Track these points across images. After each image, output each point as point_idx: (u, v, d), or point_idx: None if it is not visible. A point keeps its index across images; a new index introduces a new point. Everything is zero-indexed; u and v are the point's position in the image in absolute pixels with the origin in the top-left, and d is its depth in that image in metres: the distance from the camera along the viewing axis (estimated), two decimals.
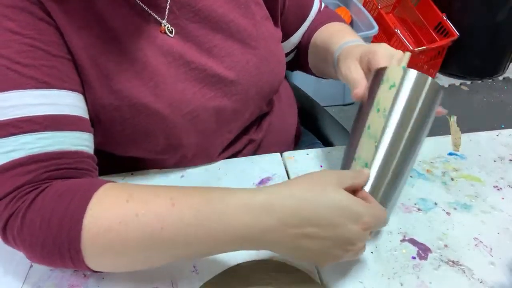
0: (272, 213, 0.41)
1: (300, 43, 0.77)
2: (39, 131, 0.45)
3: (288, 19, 0.71)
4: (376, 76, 0.51)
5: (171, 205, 0.42)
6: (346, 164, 0.50)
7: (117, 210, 0.43)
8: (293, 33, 0.74)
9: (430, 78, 0.49)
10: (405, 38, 1.91)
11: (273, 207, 0.41)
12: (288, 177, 0.63)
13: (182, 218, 0.42)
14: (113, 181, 0.48)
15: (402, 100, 0.48)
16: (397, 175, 0.47)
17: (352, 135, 0.52)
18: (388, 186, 0.47)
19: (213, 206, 0.42)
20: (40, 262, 0.45)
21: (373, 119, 0.49)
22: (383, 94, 0.49)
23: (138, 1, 0.53)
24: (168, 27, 0.55)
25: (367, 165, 0.47)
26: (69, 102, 0.48)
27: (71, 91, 0.49)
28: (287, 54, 0.77)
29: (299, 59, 0.79)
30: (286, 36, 0.73)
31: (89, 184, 0.45)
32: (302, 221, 0.41)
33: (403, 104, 0.48)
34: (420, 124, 0.49)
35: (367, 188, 0.46)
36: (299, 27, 0.74)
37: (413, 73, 0.49)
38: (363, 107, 0.51)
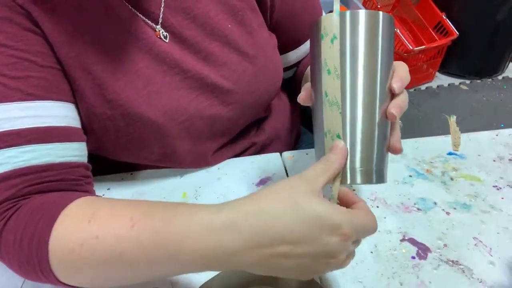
0: (237, 234, 0.37)
1: (296, 71, 0.74)
2: (24, 145, 0.44)
3: (282, 37, 0.67)
4: (313, 31, 0.43)
5: (130, 227, 0.40)
6: (318, 141, 0.45)
7: (79, 231, 0.42)
8: (290, 51, 0.70)
9: (380, 13, 0.42)
10: (404, 37, 1.91)
11: (238, 226, 0.37)
12: (288, 176, 0.63)
13: (141, 242, 0.39)
14: (87, 195, 0.47)
15: (350, 51, 0.41)
16: (374, 135, 0.42)
17: (314, 108, 0.45)
18: (368, 150, 0.42)
19: (173, 228, 0.39)
20: (26, 278, 0.45)
21: (328, 83, 0.42)
22: (327, 51, 0.41)
23: (131, 8, 0.52)
24: (162, 32, 0.54)
25: (339, 136, 0.42)
26: (56, 113, 0.48)
27: (59, 102, 0.48)
28: (284, 70, 0.72)
29: (296, 88, 0.75)
30: (283, 49, 0.69)
31: (59, 201, 0.44)
32: (273, 240, 0.36)
33: (353, 55, 0.41)
34: (382, 67, 0.42)
35: (348, 160, 0.42)
36: (296, 48, 0.70)
37: (353, 15, 0.41)
38: (314, 73, 0.44)
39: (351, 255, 0.41)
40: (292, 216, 0.36)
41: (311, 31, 0.44)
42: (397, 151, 0.44)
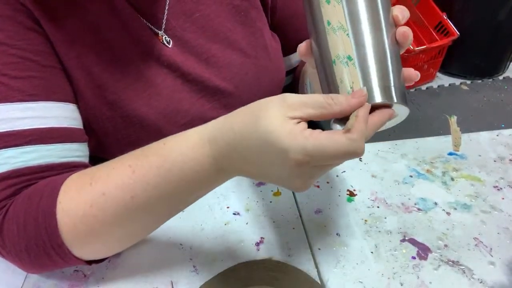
0: (219, 147, 0.40)
1: (294, 74, 0.73)
2: (23, 145, 0.44)
3: (283, 39, 0.67)
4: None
5: (131, 173, 0.42)
6: (326, 78, 0.41)
7: (84, 196, 0.42)
8: (291, 53, 0.70)
9: None
10: None
11: (217, 142, 0.40)
12: None
13: (147, 182, 0.41)
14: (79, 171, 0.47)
15: (357, 9, 0.39)
16: (386, 53, 0.40)
17: (317, 55, 0.42)
18: (383, 68, 0.39)
19: (171, 160, 0.41)
20: (32, 269, 0.45)
21: (329, 11, 0.40)
22: (331, 12, 0.40)
23: (135, 12, 0.52)
24: (165, 37, 0.54)
25: (350, 58, 0.39)
26: (57, 114, 0.48)
27: (61, 102, 0.48)
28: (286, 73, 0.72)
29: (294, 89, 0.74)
30: (284, 52, 0.69)
31: (54, 179, 0.45)
32: (239, 159, 0.39)
33: (360, 10, 0.39)
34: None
35: (362, 81, 0.39)
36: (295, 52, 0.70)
37: None
38: (312, 10, 0.41)
39: (311, 178, 0.39)
40: (252, 137, 0.37)
41: None
42: (413, 76, 0.41)
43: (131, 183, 0.41)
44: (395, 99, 0.39)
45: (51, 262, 0.44)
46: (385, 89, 0.39)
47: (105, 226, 0.43)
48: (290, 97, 0.37)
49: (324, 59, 0.41)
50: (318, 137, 0.35)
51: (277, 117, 0.36)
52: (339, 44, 0.40)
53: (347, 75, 0.39)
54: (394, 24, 0.41)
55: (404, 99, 0.40)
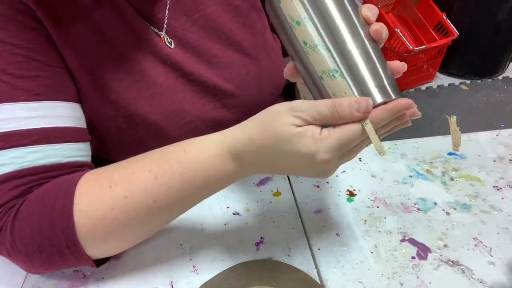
0: (242, 161, 0.43)
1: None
2: (29, 145, 0.44)
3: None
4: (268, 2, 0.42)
5: (154, 178, 0.43)
6: (317, 96, 0.42)
7: (104, 198, 0.43)
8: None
9: None
10: (405, 37, 1.90)
11: (240, 155, 0.43)
12: (288, 177, 0.63)
13: (170, 187, 0.43)
14: (89, 169, 0.48)
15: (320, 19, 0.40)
16: (370, 53, 0.40)
17: (303, 74, 0.43)
18: (373, 68, 0.40)
19: (194, 168, 0.43)
20: (39, 268, 0.45)
21: (301, 32, 0.40)
22: (287, 6, 0.40)
23: (136, 13, 0.52)
24: (167, 38, 0.54)
25: (336, 70, 0.39)
26: (62, 113, 0.48)
27: (65, 102, 0.48)
28: None
29: (294, 92, 0.75)
30: (284, 53, 0.69)
31: (67, 180, 0.45)
32: (265, 167, 0.43)
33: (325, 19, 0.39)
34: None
35: (356, 89, 0.39)
36: None
37: None
38: (287, 38, 0.42)
39: (338, 165, 0.43)
40: (275, 152, 0.40)
41: (266, 5, 0.42)
42: (400, 68, 0.41)
43: (154, 188, 0.43)
44: (392, 94, 0.39)
45: (63, 261, 0.44)
46: (382, 88, 0.39)
47: (124, 227, 0.44)
48: (297, 104, 0.39)
49: (311, 77, 0.42)
50: (335, 133, 0.38)
51: (292, 125, 0.39)
52: (321, 61, 0.40)
53: (337, 87, 0.40)
54: (366, 23, 0.41)
55: (399, 92, 0.40)
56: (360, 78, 0.39)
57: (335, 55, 0.40)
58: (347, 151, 0.40)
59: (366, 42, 0.40)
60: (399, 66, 0.41)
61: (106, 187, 0.44)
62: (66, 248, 0.43)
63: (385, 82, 0.40)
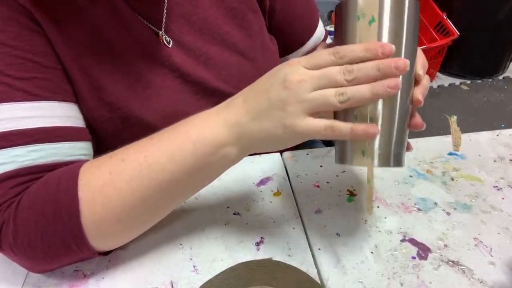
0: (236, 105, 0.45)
1: None
2: (30, 144, 0.45)
3: (281, 41, 0.68)
4: (346, 12, 0.42)
5: (149, 139, 0.45)
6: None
7: (103, 166, 0.44)
8: (289, 54, 0.70)
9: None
10: None
11: (227, 103, 0.46)
12: (288, 177, 0.63)
13: (160, 139, 0.45)
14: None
15: (388, 33, 0.40)
16: (394, 118, 0.42)
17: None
18: (387, 133, 0.42)
19: (184, 122, 0.46)
20: (41, 262, 0.45)
21: None
22: (364, 33, 0.41)
23: (134, 13, 0.52)
24: (165, 37, 0.55)
25: (372, 119, 0.41)
26: (61, 113, 0.48)
27: (64, 102, 0.49)
28: None
29: None
30: (282, 53, 0.70)
31: (70, 167, 0.46)
32: (244, 98, 0.45)
33: (392, 37, 0.40)
34: (415, 52, 0.42)
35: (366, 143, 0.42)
36: (294, 51, 0.70)
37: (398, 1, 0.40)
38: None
39: (306, 82, 0.41)
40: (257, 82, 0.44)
41: (341, 11, 0.42)
42: (419, 126, 0.45)
43: (148, 145, 0.44)
44: (391, 164, 0.43)
45: (64, 250, 0.44)
46: (384, 156, 0.43)
47: (121, 193, 0.43)
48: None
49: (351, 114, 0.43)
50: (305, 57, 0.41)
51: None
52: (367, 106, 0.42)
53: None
54: (413, 80, 0.43)
55: (400, 161, 0.44)
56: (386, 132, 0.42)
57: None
58: (320, 74, 0.40)
59: (397, 105, 0.42)
60: (418, 123, 0.45)
61: (107, 158, 0.45)
62: (69, 233, 0.43)
63: (390, 151, 0.43)
